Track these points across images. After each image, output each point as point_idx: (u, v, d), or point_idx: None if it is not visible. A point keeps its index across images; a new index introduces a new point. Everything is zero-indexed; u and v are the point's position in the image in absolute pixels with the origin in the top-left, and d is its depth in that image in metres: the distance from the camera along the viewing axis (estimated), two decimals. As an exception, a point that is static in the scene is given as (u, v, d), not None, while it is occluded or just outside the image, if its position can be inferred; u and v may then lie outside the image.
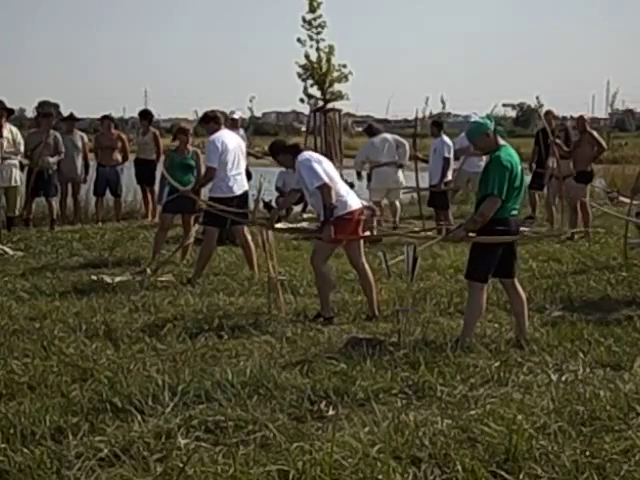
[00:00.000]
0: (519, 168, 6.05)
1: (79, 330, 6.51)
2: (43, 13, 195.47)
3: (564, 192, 12.35)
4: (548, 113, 13.58)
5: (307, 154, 7.23)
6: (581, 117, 12.23)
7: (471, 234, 6.11)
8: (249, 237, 8.87)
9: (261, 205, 14.81)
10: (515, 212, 6.14)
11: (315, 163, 7.01)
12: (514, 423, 4.23)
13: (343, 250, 7.43)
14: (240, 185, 8.77)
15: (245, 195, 8.88)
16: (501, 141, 6.11)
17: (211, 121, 8.81)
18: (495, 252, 6.05)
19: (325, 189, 6.85)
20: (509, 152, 6.04)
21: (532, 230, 12.41)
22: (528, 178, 14.89)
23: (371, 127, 12.88)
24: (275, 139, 7.78)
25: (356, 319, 7.02)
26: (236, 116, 14.43)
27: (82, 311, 7.21)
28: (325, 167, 7.03)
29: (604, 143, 12.17)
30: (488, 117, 6.24)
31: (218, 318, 6.88)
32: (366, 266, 7.17)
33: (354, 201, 7.12)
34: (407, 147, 12.58)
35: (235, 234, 9.16)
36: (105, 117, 14.59)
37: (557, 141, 12.14)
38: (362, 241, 7.30)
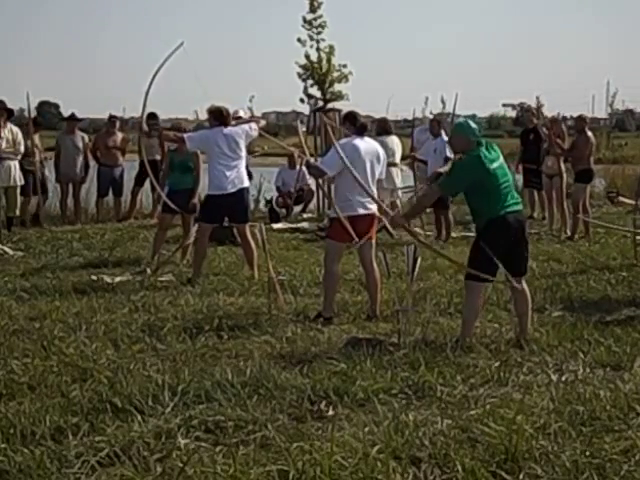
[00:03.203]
0: (494, 165, 6.01)
1: (79, 330, 6.51)
2: (43, 13, 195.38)
3: (554, 191, 12.41)
4: (528, 110, 13.67)
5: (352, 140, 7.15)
6: (580, 117, 12.20)
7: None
8: (250, 238, 8.81)
9: (262, 204, 14.91)
10: (515, 208, 6.10)
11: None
12: (514, 423, 4.23)
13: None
14: (235, 182, 8.56)
15: (241, 192, 8.64)
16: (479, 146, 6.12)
17: (212, 117, 8.74)
18: (494, 252, 6.04)
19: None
20: (475, 153, 6.02)
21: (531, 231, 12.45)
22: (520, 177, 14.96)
23: (386, 124, 12.62)
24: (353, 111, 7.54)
25: (356, 319, 7.02)
26: (241, 114, 14.39)
27: (82, 311, 7.21)
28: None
29: (593, 148, 11.97)
30: (478, 127, 6.31)
31: (218, 318, 6.87)
32: (375, 266, 7.17)
33: (363, 206, 7.04)
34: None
35: (238, 233, 9.08)
36: (113, 117, 14.62)
37: (558, 141, 12.13)
38: (375, 241, 7.28)
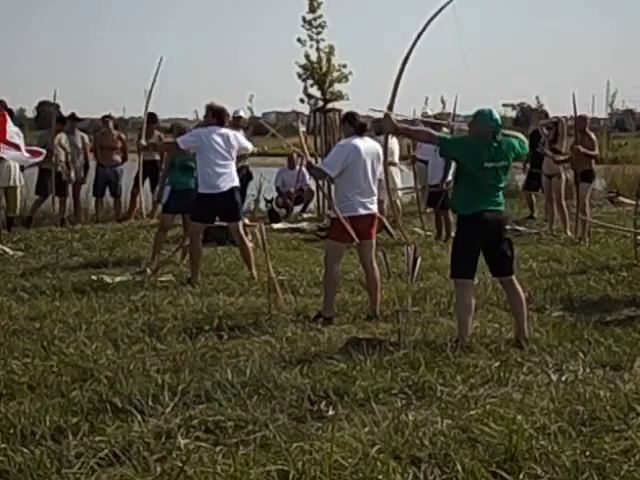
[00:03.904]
0: (489, 164, 6.02)
1: (79, 330, 6.51)
2: (43, 13, 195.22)
3: (554, 191, 12.36)
4: (541, 112, 13.56)
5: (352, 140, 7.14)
6: (582, 117, 11.98)
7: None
8: (248, 237, 8.81)
9: (263, 203, 14.93)
10: (495, 207, 6.12)
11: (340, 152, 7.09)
12: (514, 423, 4.23)
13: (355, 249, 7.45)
14: (227, 181, 8.59)
15: (233, 191, 8.67)
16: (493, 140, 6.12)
17: (210, 114, 8.78)
18: (471, 248, 6.09)
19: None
20: (480, 141, 6.05)
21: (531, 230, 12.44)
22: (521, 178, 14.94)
23: None
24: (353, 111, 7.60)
25: (356, 319, 7.02)
26: (242, 114, 14.40)
27: (82, 311, 7.21)
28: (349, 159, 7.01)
29: (597, 152, 11.83)
30: (501, 120, 6.32)
31: (218, 318, 6.88)
32: (375, 266, 7.17)
33: (364, 206, 7.06)
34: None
35: (231, 232, 9.10)
36: (106, 117, 14.59)
37: (559, 158, 12.01)
38: (375, 241, 7.29)
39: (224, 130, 8.64)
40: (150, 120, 14.46)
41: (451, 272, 6.29)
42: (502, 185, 6.21)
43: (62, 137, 13.35)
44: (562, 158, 12.06)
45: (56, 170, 12.94)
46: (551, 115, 13.61)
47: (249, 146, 9.11)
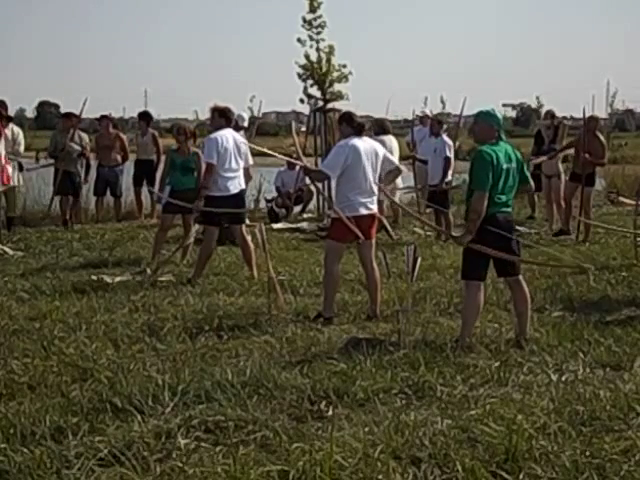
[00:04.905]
0: (505, 166, 6.02)
1: (79, 330, 6.51)
2: (42, 13, 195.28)
3: (553, 191, 12.32)
4: (547, 112, 13.52)
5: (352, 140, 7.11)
6: (593, 117, 11.69)
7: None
8: (248, 237, 8.85)
9: (263, 203, 14.92)
10: (506, 209, 6.12)
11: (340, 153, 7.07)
12: (514, 423, 4.23)
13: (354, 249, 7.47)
14: (236, 184, 8.75)
15: (241, 194, 8.86)
16: (500, 141, 6.10)
17: (217, 115, 8.84)
18: (485, 250, 6.07)
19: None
20: (493, 147, 6.03)
21: (531, 231, 12.43)
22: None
23: (384, 123, 12.62)
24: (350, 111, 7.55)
25: (356, 319, 7.02)
26: (246, 124, 14.43)
27: (82, 311, 7.21)
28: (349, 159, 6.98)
29: (605, 160, 11.58)
30: (501, 119, 6.29)
31: (218, 318, 6.88)
32: (375, 266, 7.17)
33: (365, 206, 7.06)
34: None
35: (234, 233, 9.15)
36: (104, 117, 14.55)
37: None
38: (375, 242, 7.28)
39: (237, 136, 8.88)
40: (143, 118, 14.48)
41: (463, 274, 6.25)
42: (514, 187, 6.19)
43: (76, 134, 13.04)
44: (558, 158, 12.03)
45: (68, 170, 12.85)
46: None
47: (250, 162, 9.20)
